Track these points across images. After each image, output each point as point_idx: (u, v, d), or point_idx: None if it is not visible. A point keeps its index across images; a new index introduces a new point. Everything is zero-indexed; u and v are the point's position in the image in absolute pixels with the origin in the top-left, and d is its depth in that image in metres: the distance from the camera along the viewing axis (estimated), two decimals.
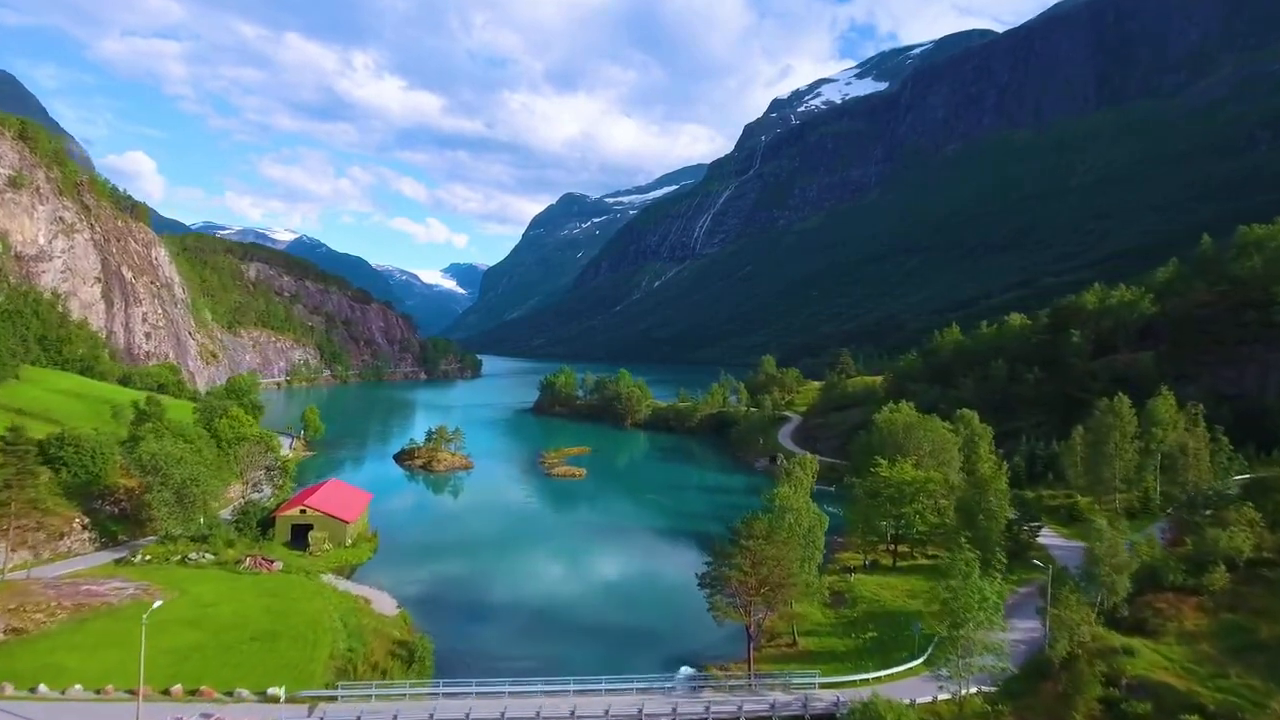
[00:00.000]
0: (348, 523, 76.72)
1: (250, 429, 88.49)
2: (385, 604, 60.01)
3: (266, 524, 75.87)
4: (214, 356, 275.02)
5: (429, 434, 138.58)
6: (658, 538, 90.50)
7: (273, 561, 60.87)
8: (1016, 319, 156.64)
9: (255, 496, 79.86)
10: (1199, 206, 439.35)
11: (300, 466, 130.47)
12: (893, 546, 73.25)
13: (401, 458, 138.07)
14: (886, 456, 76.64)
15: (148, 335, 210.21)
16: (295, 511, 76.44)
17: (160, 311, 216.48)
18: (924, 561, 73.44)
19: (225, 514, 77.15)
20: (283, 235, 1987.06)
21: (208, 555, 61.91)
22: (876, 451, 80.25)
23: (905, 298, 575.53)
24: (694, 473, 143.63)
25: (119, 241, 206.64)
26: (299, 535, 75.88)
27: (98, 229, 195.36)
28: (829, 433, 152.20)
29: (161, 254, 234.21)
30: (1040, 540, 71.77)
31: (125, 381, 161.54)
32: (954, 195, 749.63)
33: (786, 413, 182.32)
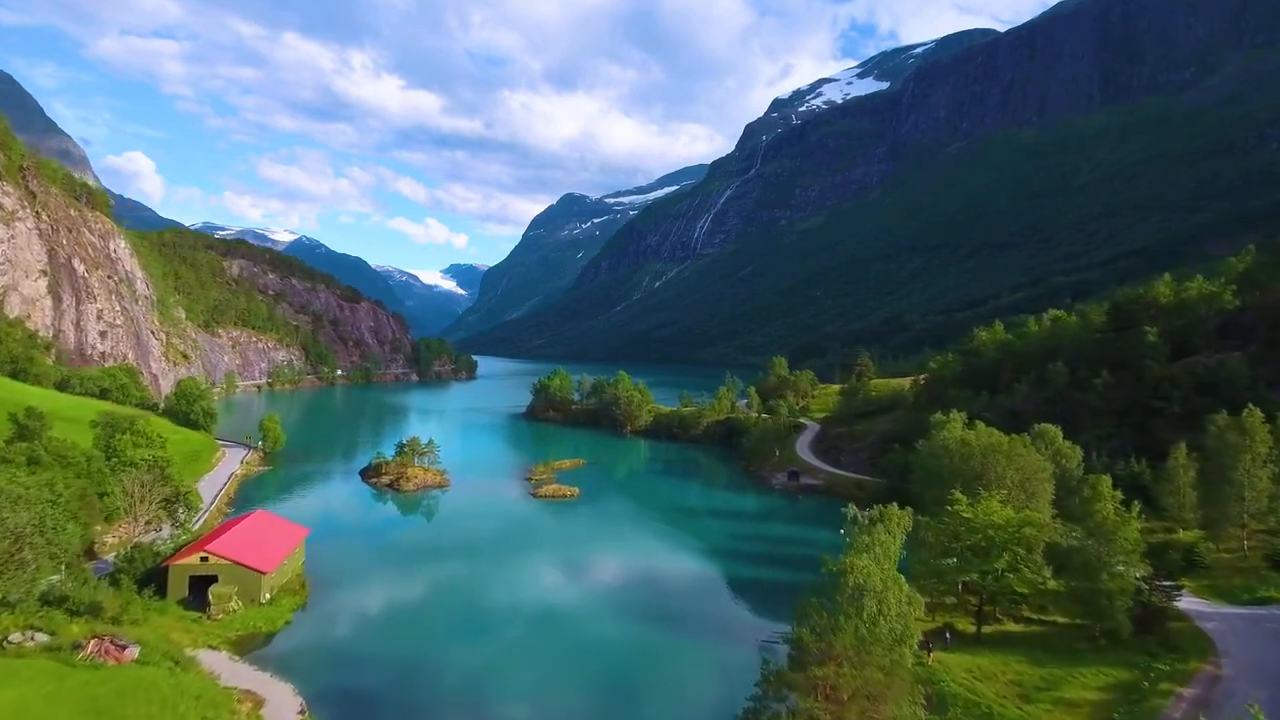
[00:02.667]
0: (264, 573, 59.23)
1: (145, 451, 70.57)
2: (284, 707, 42.61)
3: (157, 576, 58.56)
4: (184, 358, 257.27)
5: (399, 446, 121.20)
6: (666, 586, 72.64)
7: (124, 646, 43.42)
8: (1057, 314, 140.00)
9: (151, 538, 62.46)
10: (1208, 205, 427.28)
11: (251, 484, 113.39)
12: (977, 607, 55.68)
13: (368, 474, 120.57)
14: (960, 487, 59.28)
15: (103, 334, 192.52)
16: (194, 559, 58.97)
17: (118, 308, 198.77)
18: (1014, 628, 55.98)
19: (102, 564, 59.82)
20: (282, 235, 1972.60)
21: (38, 635, 44.49)
22: (945, 480, 62.92)
23: (910, 297, 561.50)
24: (704, 491, 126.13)
25: (71, 232, 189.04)
26: (201, 590, 58.51)
27: (44, 217, 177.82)
28: (854, 444, 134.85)
29: (121, 246, 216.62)
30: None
31: (63, 386, 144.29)
32: (958, 194, 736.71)
33: (802, 419, 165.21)
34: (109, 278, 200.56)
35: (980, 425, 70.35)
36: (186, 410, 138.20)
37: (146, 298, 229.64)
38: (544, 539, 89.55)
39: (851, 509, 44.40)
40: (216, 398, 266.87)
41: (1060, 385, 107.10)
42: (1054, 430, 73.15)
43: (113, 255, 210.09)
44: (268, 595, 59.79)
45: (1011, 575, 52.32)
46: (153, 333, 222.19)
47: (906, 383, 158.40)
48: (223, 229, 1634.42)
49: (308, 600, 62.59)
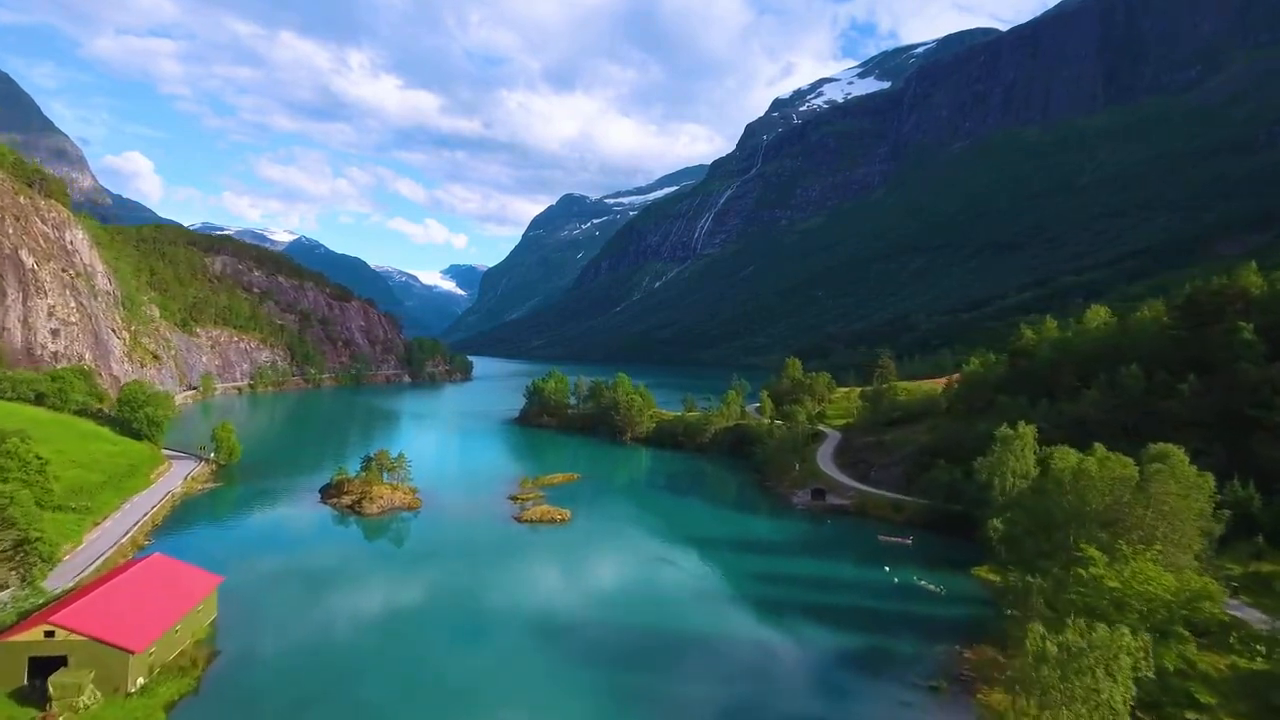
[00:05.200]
0: (132, 652, 43.33)
1: None
2: None
3: None
4: (155, 358, 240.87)
5: (365, 460, 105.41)
6: (673, 661, 56.27)
7: None
8: (1096, 309, 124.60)
9: None
10: (1213, 205, 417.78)
11: (191, 506, 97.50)
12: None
13: (329, 492, 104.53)
14: (1076, 534, 43.49)
15: (54, 332, 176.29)
16: (36, 633, 43.05)
17: (73, 304, 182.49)
18: None
19: None
20: (281, 236, 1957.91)
21: None
22: (1059, 524, 47.00)
23: (913, 298, 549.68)
24: (714, 513, 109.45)
25: (18, 220, 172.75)
26: (47, 676, 42.60)
27: None
28: (885, 457, 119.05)
29: (79, 237, 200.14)
30: None
31: None
32: (961, 194, 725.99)
33: (820, 427, 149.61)
34: (64, 271, 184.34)
35: (1100, 449, 54.10)
36: (129, 417, 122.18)
37: (109, 294, 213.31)
38: (524, 580, 73.50)
39: (1034, 630, 28.31)
40: (192, 400, 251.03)
41: (1135, 391, 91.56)
42: (1178, 453, 56.66)
43: (69, 247, 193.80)
44: (140, 680, 43.90)
45: (1183, 671, 36.39)
46: (115, 331, 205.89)
47: (938, 385, 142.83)
48: (222, 229, 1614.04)
49: (201, 682, 46.60)
